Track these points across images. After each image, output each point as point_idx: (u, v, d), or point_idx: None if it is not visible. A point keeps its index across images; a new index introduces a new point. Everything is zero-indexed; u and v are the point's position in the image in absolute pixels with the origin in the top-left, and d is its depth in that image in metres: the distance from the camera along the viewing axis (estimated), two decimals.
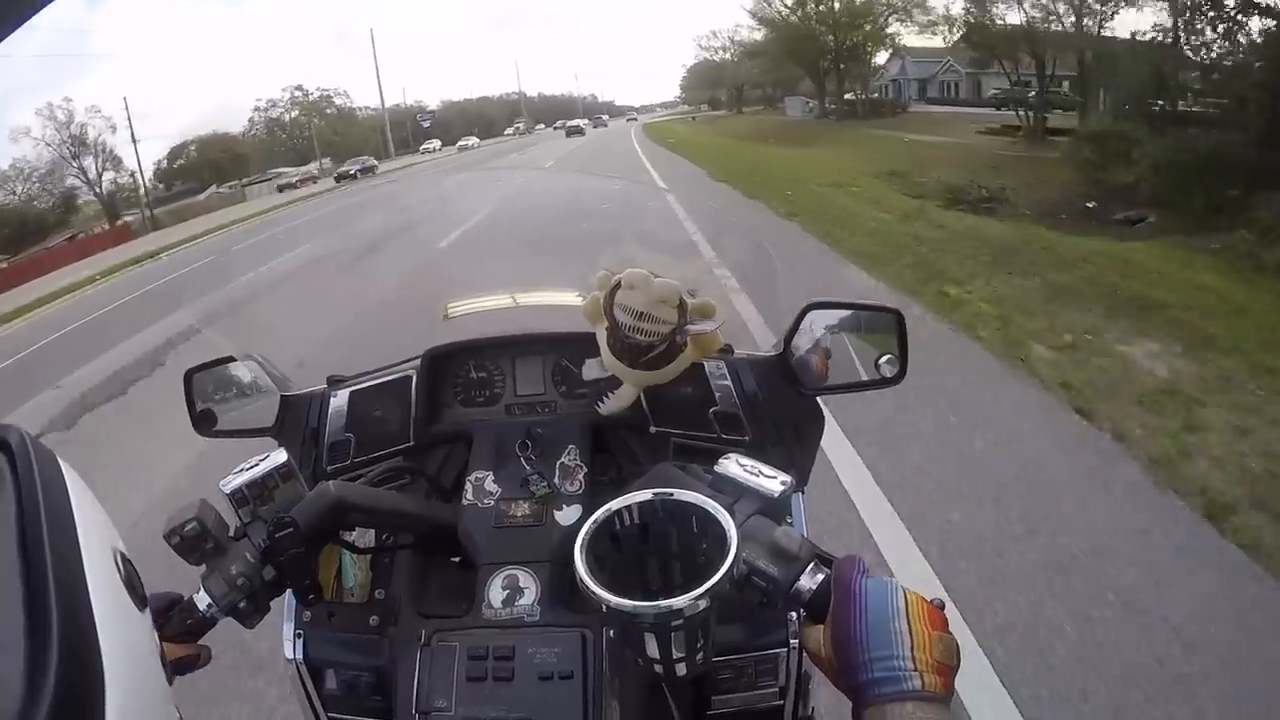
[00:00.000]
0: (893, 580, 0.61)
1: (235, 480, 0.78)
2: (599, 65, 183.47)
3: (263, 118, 58.33)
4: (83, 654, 0.31)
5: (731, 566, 0.57)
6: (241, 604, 0.74)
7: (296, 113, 58.82)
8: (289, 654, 0.92)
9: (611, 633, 0.82)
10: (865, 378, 1.01)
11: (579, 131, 50.12)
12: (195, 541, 0.73)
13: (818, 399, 1.05)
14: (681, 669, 0.60)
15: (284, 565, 0.75)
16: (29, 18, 0.50)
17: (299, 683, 0.93)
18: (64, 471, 0.38)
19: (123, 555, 0.39)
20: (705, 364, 1.02)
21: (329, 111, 61.33)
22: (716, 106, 68.62)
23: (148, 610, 0.39)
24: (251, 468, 0.79)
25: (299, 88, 60.65)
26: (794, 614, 0.88)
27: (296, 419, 1.09)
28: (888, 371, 0.99)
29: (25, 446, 0.36)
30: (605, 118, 72.25)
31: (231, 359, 1.09)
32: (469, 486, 1.00)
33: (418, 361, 1.11)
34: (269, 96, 60.15)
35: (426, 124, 64.10)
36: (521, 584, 0.89)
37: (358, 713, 0.93)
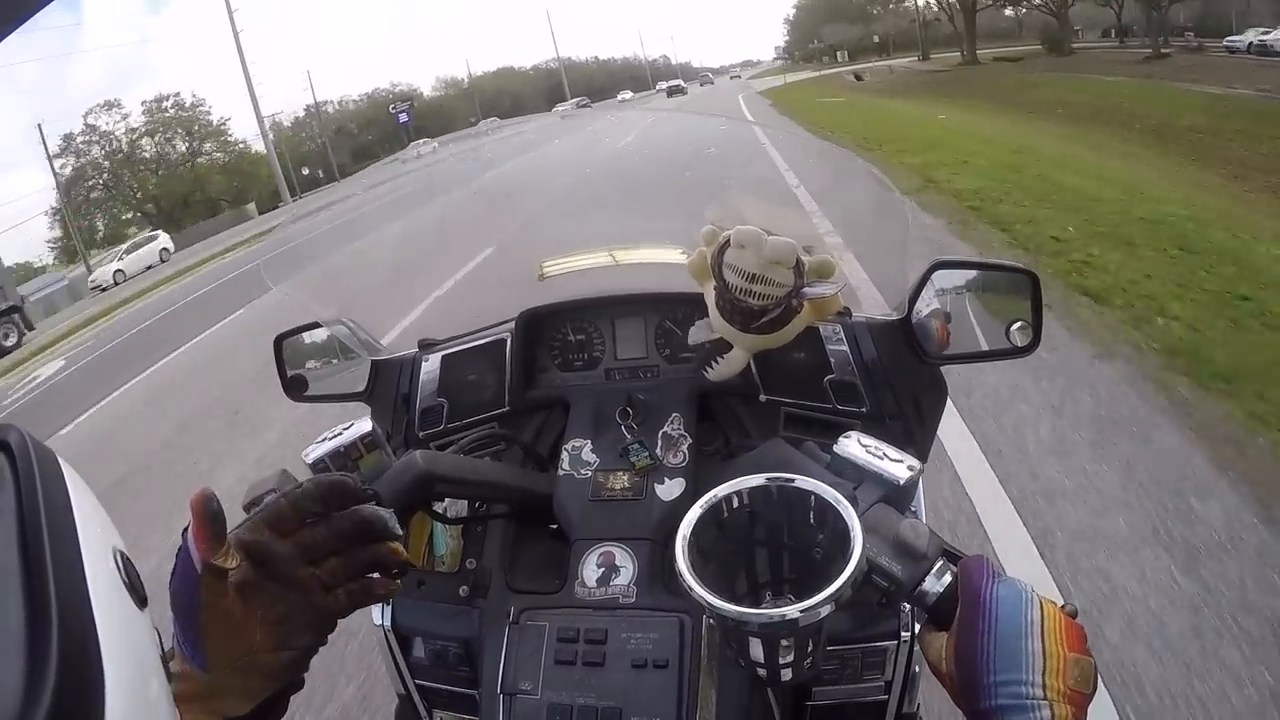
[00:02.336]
0: (1028, 588, 0.54)
1: (318, 450, 0.76)
2: (665, 28, 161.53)
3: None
4: (83, 654, 0.31)
5: (855, 571, 0.51)
6: None
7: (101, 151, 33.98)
8: (377, 620, 0.92)
9: (712, 620, 0.76)
10: (993, 345, 0.92)
11: (681, 91, 49.92)
12: None
13: (940, 368, 0.96)
14: (787, 674, 0.55)
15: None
16: (29, 17, 0.49)
17: (387, 649, 0.93)
18: (64, 471, 0.38)
19: (123, 555, 0.38)
20: (821, 328, 0.94)
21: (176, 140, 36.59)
22: (851, 57, 48.46)
23: (148, 610, 0.39)
24: (335, 436, 0.76)
25: (112, 104, 35.25)
26: (906, 604, 0.80)
27: (388, 384, 1.08)
28: (1019, 340, 0.90)
29: (25, 446, 0.36)
30: (710, 76, 70.33)
31: (318, 325, 1.09)
32: (565, 455, 0.96)
33: (512, 324, 1.07)
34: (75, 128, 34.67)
35: (404, 119, 44.81)
36: (618, 562, 0.85)
37: (445, 682, 0.92)
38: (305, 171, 38.93)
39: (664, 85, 60.11)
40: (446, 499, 0.93)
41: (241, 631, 0.52)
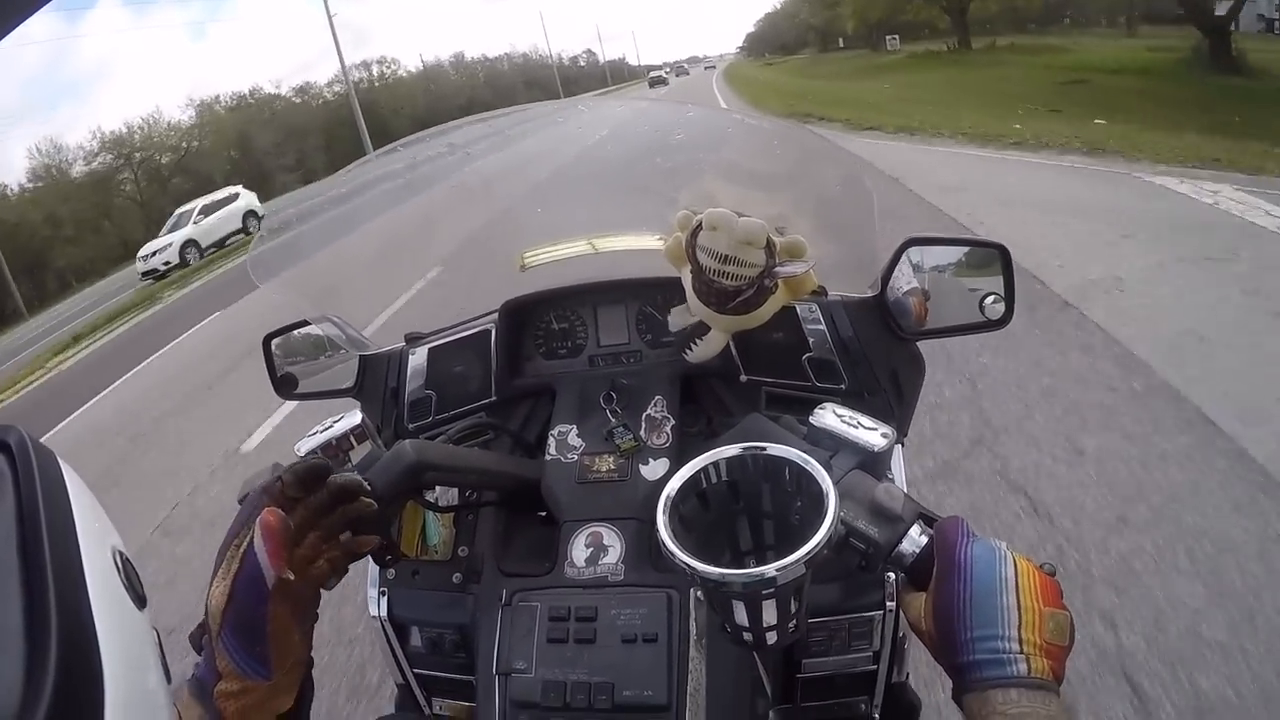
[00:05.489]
0: (1001, 546, 0.55)
1: (310, 442, 0.78)
2: (587, 19, 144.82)
3: None
4: (82, 654, 0.31)
5: (830, 530, 0.52)
6: None
7: None
8: (373, 612, 0.93)
9: (699, 594, 0.78)
10: (967, 319, 0.94)
11: (663, 81, 52.56)
12: None
13: (917, 343, 0.98)
14: (772, 637, 0.56)
15: (360, 527, 0.74)
16: (29, 17, 0.49)
17: (384, 639, 0.94)
18: (64, 471, 0.38)
19: (122, 554, 0.39)
20: (798, 307, 0.96)
21: None
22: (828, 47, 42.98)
23: (147, 609, 0.39)
24: (326, 429, 0.79)
25: None
26: (891, 574, 0.83)
27: (376, 378, 1.09)
28: (992, 313, 0.92)
29: (25, 446, 0.36)
30: (686, 67, 70.39)
31: (306, 322, 1.10)
32: (552, 441, 0.97)
33: (496, 315, 1.09)
34: None
35: None
36: (605, 542, 0.87)
37: (443, 669, 0.93)
38: None
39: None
40: (437, 488, 0.94)
41: (291, 631, 0.57)
